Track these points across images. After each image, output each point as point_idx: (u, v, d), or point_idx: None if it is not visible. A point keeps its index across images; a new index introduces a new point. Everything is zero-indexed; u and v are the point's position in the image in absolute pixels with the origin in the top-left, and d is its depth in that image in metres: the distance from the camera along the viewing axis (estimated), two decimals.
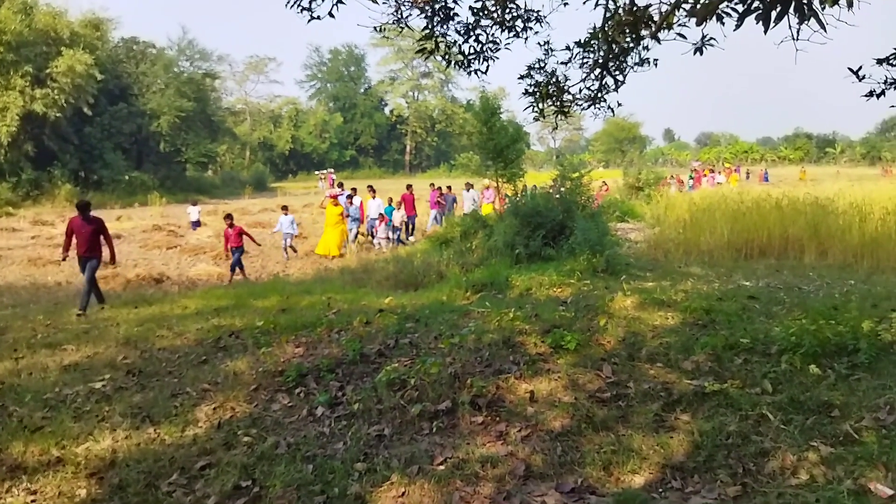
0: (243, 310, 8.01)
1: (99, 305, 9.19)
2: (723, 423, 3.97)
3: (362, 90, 78.24)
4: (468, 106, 79.85)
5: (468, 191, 18.58)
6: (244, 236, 13.04)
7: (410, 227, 18.17)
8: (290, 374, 5.09)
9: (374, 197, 17.45)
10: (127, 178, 37.57)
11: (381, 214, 16.62)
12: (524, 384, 4.70)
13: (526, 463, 3.70)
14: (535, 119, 5.27)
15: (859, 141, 79.07)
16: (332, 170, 56.39)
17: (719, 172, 39.59)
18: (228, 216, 13.40)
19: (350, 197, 16.99)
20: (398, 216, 16.85)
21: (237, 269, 12.94)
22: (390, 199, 17.34)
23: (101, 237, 9.40)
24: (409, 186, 19.16)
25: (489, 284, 9.12)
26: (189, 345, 6.38)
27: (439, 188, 19.55)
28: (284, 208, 16.00)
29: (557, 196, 12.91)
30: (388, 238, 16.22)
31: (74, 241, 9.43)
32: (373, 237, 16.80)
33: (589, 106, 5.13)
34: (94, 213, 9.70)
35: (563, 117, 5.25)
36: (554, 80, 5.00)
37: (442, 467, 3.69)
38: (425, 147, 77.76)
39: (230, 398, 4.83)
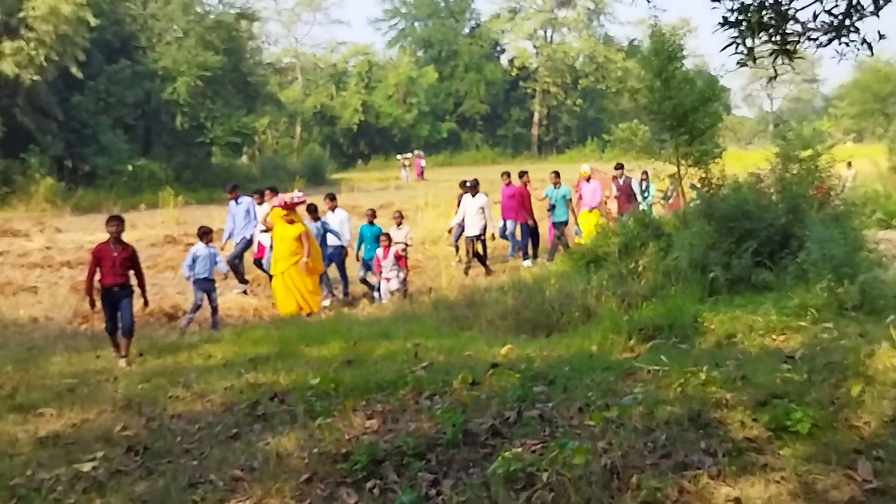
0: (291, 361, 8.28)
1: None
2: None
3: (467, 30, 79.71)
4: (631, 48, 79.33)
5: (474, 196, 17.27)
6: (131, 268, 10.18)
7: (529, 240, 17.98)
8: (358, 458, 5.18)
9: (333, 209, 15.82)
10: (130, 167, 39.91)
11: (381, 239, 14.92)
12: (725, 487, 4.54)
13: None
14: (740, 65, 5.12)
15: None
16: (422, 152, 57.55)
17: None
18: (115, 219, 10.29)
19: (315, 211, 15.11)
20: (400, 235, 15.52)
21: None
22: (371, 214, 15.91)
23: None
24: (505, 174, 18.88)
25: (666, 328, 9.01)
26: (214, 411, 6.66)
27: (507, 173, 19.03)
28: (203, 235, 13.34)
29: (776, 189, 12.46)
30: (401, 283, 14.85)
31: None
32: (366, 285, 15.39)
33: (829, 41, 4.93)
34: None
35: (786, 61, 5.08)
36: (771, 1, 4.85)
37: None
38: (563, 114, 77.87)
39: (272, 492, 4.98)
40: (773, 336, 8.20)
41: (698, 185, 13.63)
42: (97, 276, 9.96)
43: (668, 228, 13.63)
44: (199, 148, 46.21)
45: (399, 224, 15.93)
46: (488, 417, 5.72)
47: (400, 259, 14.92)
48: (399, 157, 55.94)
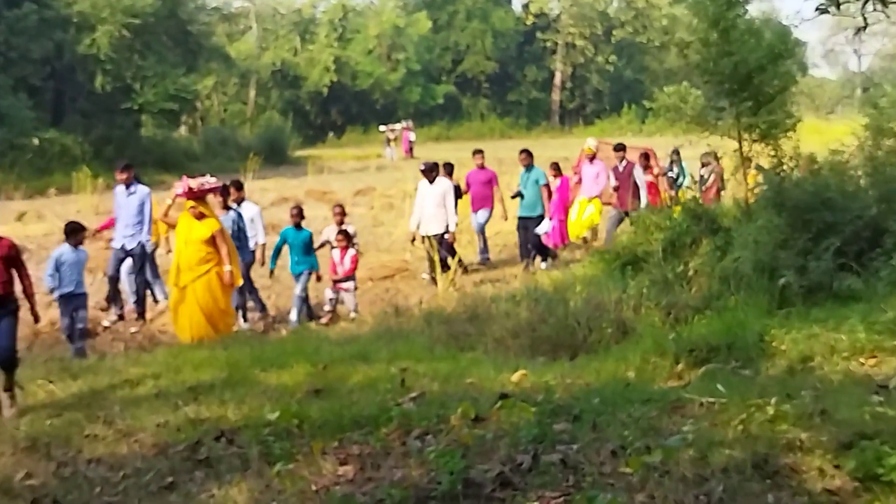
0: (243, 390, 8.26)
1: None
2: None
3: None
4: None
5: (432, 182, 17.00)
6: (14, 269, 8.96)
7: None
8: None
9: (239, 202, 15.04)
10: (36, 141, 39.76)
11: (337, 238, 14.97)
12: None
13: None
14: (820, 12, 5.16)
15: None
16: (411, 123, 57.44)
17: None
18: None
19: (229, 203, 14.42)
20: (330, 232, 15.21)
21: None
22: (298, 213, 15.17)
23: None
24: (478, 153, 19.06)
25: (724, 348, 9.00)
26: (144, 454, 6.64)
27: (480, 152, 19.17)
28: (70, 233, 12.73)
29: (866, 171, 12.46)
30: (332, 304, 14.88)
31: None
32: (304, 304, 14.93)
33: None
34: None
35: (878, 6, 5.10)
36: None
37: None
38: (592, 74, 77.90)
39: None
40: (861, 359, 8.19)
41: (765, 167, 13.63)
42: None
43: (726, 222, 13.62)
44: (124, 116, 46.06)
45: (340, 223, 15.27)
46: (495, 463, 5.71)
47: (353, 264, 14.78)
48: (382, 128, 55.84)
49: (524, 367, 8.87)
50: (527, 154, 18.45)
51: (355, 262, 14.91)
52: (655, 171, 19.44)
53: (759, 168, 13.88)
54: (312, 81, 69.69)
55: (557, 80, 77.84)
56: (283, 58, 70.56)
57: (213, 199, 13.91)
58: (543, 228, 17.94)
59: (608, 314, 11.35)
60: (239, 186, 15.30)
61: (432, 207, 16.77)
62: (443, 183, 17.03)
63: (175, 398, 8.13)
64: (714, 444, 5.62)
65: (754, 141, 14.55)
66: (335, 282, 14.81)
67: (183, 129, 56.40)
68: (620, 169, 18.80)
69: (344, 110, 71.47)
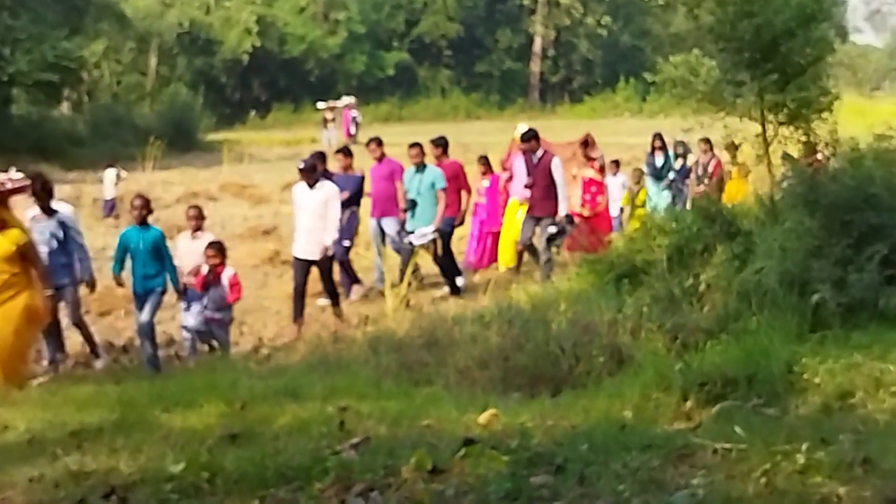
0: (139, 435, 8.21)
1: None
2: None
3: None
4: None
5: (313, 185, 16.07)
6: None
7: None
8: None
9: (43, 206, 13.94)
10: None
11: (207, 252, 13.86)
12: None
13: None
14: None
15: None
16: (354, 99, 57.41)
17: None
18: None
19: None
20: (196, 251, 14.08)
21: None
22: (141, 203, 14.09)
23: None
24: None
25: (743, 381, 9.03)
26: None
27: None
28: None
29: None
30: (193, 344, 14.25)
31: None
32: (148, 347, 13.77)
33: None
34: None
35: None
36: None
37: None
38: (580, 40, 78.24)
39: None
40: None
41: (794, 155, 13.71)
42: None
43: (746, 224, 13.67)
44: None
45: (196, 230, 14.58)
46: None
47: (234, 287, 13.87)
48: (321, 105, 55.74)
49: (494, 405, 8.86)
50: (419, 149, 17.79)
51: (237, 284, 13.99)
52: (598, 164, 19.44)
53: (786, 157, 13.97)
54: (229, 47, 69.62)
55: (537, 46, 78.18)
56: (192, 17, 70.34)
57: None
58: (417, 237, 17.35)
59: (599, 339, 11.37)
60: (42, 184, 13.88)
61: (308, 221, 15.81)
62: (326, 188, 16.11)
63: (53, 446, 8.06)
64: (731, 500, 5.65)
65: (781, 123, 14.63)
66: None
67: (65, 107, 56.17)
68: (534, 162, 18.04)
69: (269, 83, 71.49)
